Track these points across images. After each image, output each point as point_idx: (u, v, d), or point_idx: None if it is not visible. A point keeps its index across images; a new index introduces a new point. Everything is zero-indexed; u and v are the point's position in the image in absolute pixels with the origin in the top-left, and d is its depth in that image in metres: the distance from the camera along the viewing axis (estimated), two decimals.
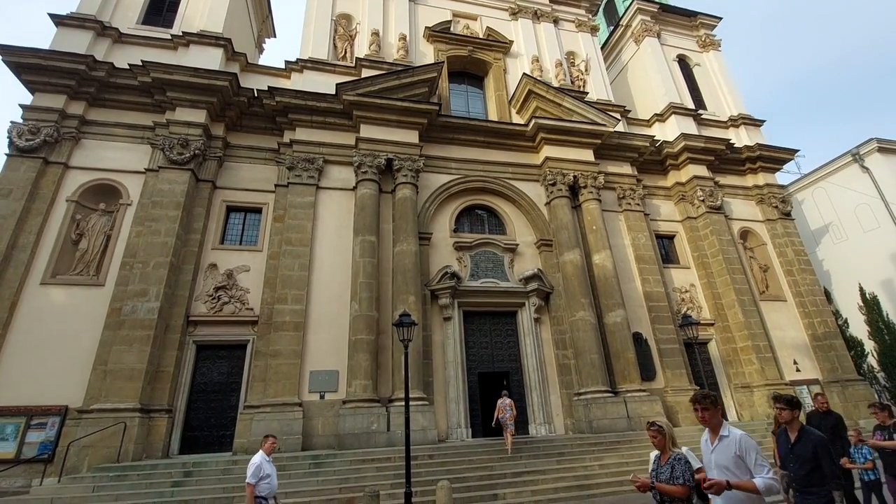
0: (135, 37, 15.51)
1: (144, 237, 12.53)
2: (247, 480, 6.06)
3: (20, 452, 10.35)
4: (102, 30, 14.97)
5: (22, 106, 13.37)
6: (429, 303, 14.31)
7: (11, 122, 13.09)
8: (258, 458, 6.24)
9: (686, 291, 17.53)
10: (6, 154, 12.85)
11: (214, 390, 12.48)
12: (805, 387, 16.65)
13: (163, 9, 16.82)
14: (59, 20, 14.76)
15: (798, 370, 17.02)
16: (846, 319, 22.79)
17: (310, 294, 13.17)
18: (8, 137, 12.86)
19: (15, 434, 10.47)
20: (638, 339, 15.32)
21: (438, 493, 8.00)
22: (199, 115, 14.12)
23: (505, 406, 11.84)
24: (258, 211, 14.57)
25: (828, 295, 22.18)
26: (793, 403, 4.07)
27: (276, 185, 14.63)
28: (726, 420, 3.82)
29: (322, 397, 12.21)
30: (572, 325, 14.70)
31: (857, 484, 6.27)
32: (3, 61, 13.43)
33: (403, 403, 10.87)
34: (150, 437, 11.04)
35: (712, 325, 17.26)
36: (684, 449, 3.77)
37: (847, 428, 6.93)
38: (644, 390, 14.19)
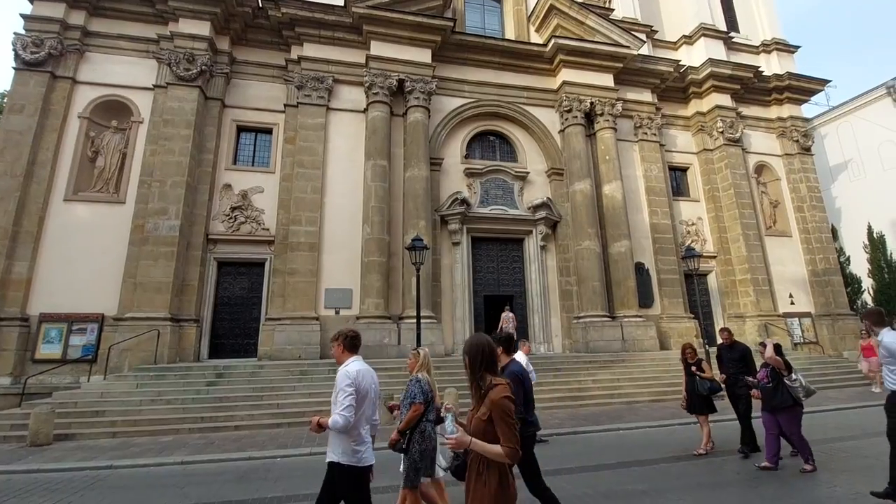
0: None
1: (159, 156, 12.68)
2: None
3: (66, 353, 11.41)
4: None
5: (23, 16, 12.89)
6: (438, 227, 14.68)
7: (15, 33, 12.71)
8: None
9: (692, 224, 17.69)
10: (13, 68, 12.65)
11: (237, 303, 13.35)
12: (796, 319, 17.39)
13: None
14: None
15: (792, 303, 17.64)
16: (849, 257, 23.06)
17: (323, 216, 13.54)
18: (13, 50, 12.57)
19: (59, 337, 11.48)
20: (640, 269, 15.82)
21: (447, 397, 8.91)
22: (204, 28, 13.56)
23: (508, 318, 13.37)
24: (269, 132, 14.50)
25: (834, 232, 22.25)
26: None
27: (285, 105, 14.40)
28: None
29: (337, 313, 13.06)
30: (577, 254, 15.13)
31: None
32: None
33: (413, 321, 11.71)
34: (182, 344, 12.05)
35: (714, 257, 17.63)
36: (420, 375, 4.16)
37: (754, 360, 7.00)
38: (640, 316, 14.94)
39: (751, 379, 6.32)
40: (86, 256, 12.00)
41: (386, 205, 13.68)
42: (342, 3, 14.45)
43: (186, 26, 13.52)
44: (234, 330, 13.13)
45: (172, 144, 12.71)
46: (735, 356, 7.00)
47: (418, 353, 4.31)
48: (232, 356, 12.76)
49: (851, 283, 22.31)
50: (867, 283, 22.66)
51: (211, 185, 13.38)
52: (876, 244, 22.38)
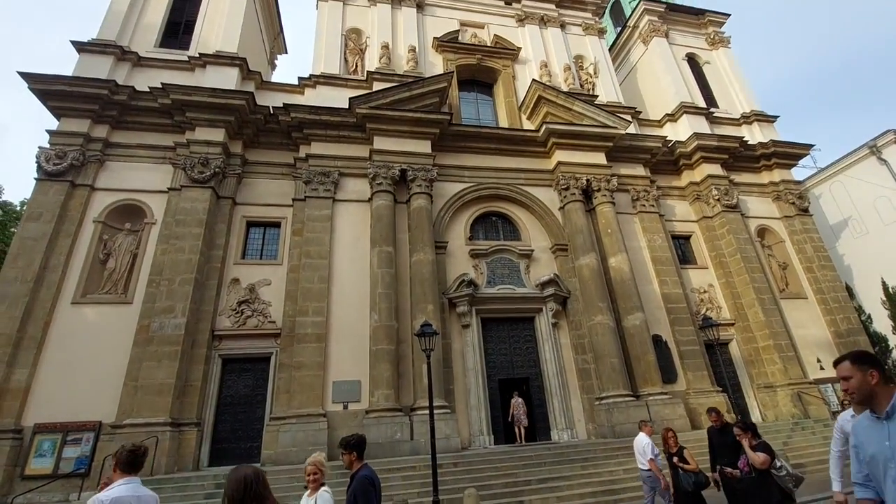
0: (153, 60, 15.98)
1: (169, 255, 12.88)
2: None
3: (57, 468, 10.68)
4: (122, 54, 15.45)
5: (49, 132, 13.85)
6: (447, 311, 14.44)
7: (39, 147, 13.56)
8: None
9: (704, 292, 17.41)
10: (35, 179, 13.31)
11: (240, 403, 12.74)
12: (829, 385, 16.40)
13: (179, 31, 17.30)
14: (80, 47, 15.26)
15: (822, 368, 16.74)
16: (869, 315, 22.37)
17: (330, 305, 13.39)
18: (37, 162, 13.32)
19: (52, 450, 10.82)
20: (658, 342, 15.27)
21: (466, 500, 8.10)
22: (218, 134, 14.48)
23: (518, 404, 13.67)
24: (277, 225, 14.86)
25: (850, 291, 21.81)
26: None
27: (293, 200, 14.92)
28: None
29: (345, 407, 12.39)
30: (591, 330, 14.71)
31: None
32: (30, 89, 13.93)
33: (426, 412, 11.03)
34: (181, 450, 11.31)
35: (732, 325, 17.10)
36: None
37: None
38: (665, 393, 14.12)
39: (729, 470, 5.44)
40: (88, 361, 11.71)
41: (393, 291, 13.59)
42: (346, 105, 15.55)
43: (202, 134, 14.45)
44: (237, 432, 12.38)
45: (183, 243, 12.97)
46: (728, 441, 5.89)
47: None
48: (234, 462, 11.81)
49: (878, 342, 21.40)
50: (893, 340, 21.75)
51: (219, 281, 13.43)
52: (894, 300, 21.82)
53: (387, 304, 13.25)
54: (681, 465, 6.01)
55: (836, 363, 2.70)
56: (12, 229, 21.79)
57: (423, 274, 13.83)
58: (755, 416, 15.85)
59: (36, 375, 11.41)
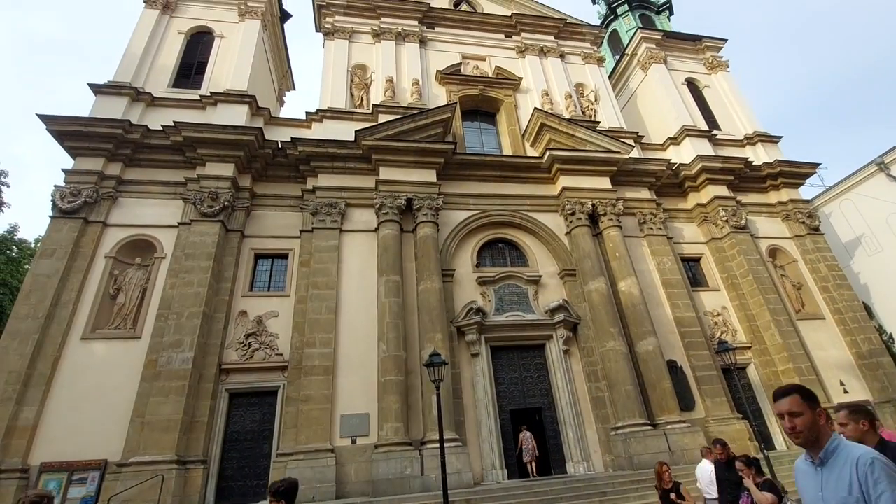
0: (167, 99, 16.51)
1: (178, 288, 12.94)
2: None
3: None
4: (137, 95, 15.98)
5: (65, 171, 14.22)
6: (455, 340, 14.25)
7: (55, 186, 13.90)
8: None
9: (718, 315, 17.04)
10: (50, 216, 13.59)
11: (247, 438, 12.49)
12: None
13: (191, 72, 17.93)
14: (97, 89, 15.83)
15: (846, 391, 16.15)
16: (891, 335, 21.75)
17: (338, 336, 13.28)
18: (52, 200, 13.62)
19: (58, 490, 10.58)
20: (673, 368, 14.86)
21: None
22: (228, 169, 14.79)
23: (526, 438, 13.50)
24: (285, 257, 14.95)
25: (868, 310, 21.27)
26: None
27: (301, 231, 15.05)
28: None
29: (354, 442, 12.09)
30: (603, 356, 14.39)
31: None
32: (48, 130, 14.41)
33: (436, 446, 10.73)
34: (187, 489, 11.03)
35: (749, 348, 16.65)
36: None
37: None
38: (684, 421, 13.65)
39: None
40: (95, 397, 11.63)
41: (401, 320, 13.47)
42: (353, 138, 15.86)
43: (212, 169, 14.76)
44: (244, 469, 12.08)
45: (192, 276, 13.05)
46: (735, 477, 5.48)
47: None
48: (240, 500, 11.58)
49: None
50: None
51: (227, 313, 13.42)
52: None
53: (395, 334, 13.12)
54: (678, 501, 5.62)
55: (778, 395, 2.41)
56: (26, 266, 22.17)
57: (431, 302, 13.73)
58: (779, 445, 15.22)
59: (43, 413, 11.33)
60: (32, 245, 24.19)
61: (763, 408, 15.97)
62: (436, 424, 10.93)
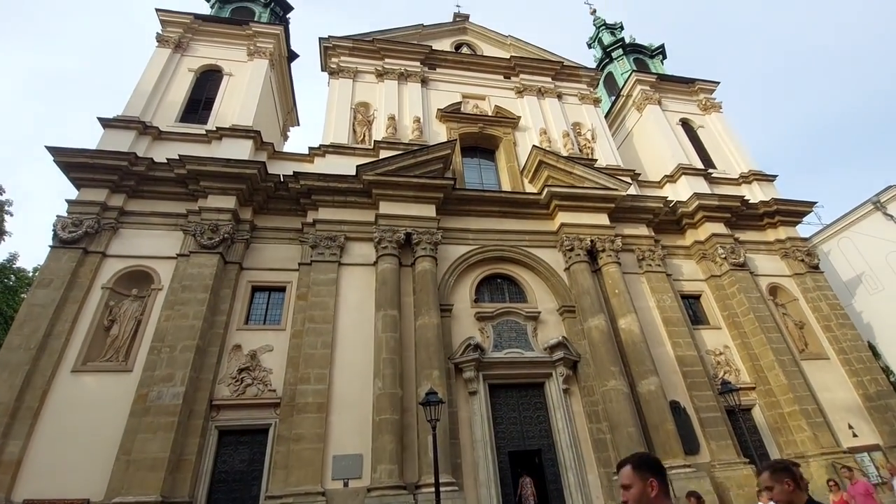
0: (173, 133, 16.89)
1: (173, 321, 12.79)
2: None
3: None
4: (144, 129, 16.35)
5: (68, 201, 14.36)
6: (453, 377, 13.95)
7: (57, 216, 14.01)
8: None
9: (720, 354, 16.76)
10: (49, 246, 13.61)
11: (235, 479, 12.01)
12: (866, 454, 15.26)
13: (199, 107, 18.44)
14: (106, 122, 16.22)
15: (855, 435, 15.67)
16: None
17: (332, 372, 13.01)
18: (53, 230, 13.67)
19: None
20: (676, 409, 14.47)
21: None
22: (230, 202, 14.94)
23: (526, 483, 13.17)
24: (282, 290, 14.86)
25: (873, 349, 20.94)
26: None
27: (299, 264, 15.03)
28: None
29: (346, 485, 11.62)
30: (604, 396, 14.05)
31: None
32: (55, 161, 14.66)
33: (432, 490, 10.34)
34: None
35: (753, 388, 16.27)
36: None
37: None
38: (689, 466, 13.16)
39: None
40: (82, 432, 11.25)
41: (397, 356, 13.24)
42: (354, 173, 16.11)
43: (214, 201, 14.90)
44: None
45: (187, 308, 12.93)
46: None
47: None
48: None
49: None
50: None
51: (221, 347, 13.20)
52: None
53: (391, 370, 12.86)
54: None
55: (618, 466, 2.51)
56: (23, 295, 22.05)
57: (429, 338, 13.54)
58: None
59: (29, 447, 10.95)
60: (30, 274, 24.14)
61: (770, 451, 15.45)
62: (431, 467, 10.56)
